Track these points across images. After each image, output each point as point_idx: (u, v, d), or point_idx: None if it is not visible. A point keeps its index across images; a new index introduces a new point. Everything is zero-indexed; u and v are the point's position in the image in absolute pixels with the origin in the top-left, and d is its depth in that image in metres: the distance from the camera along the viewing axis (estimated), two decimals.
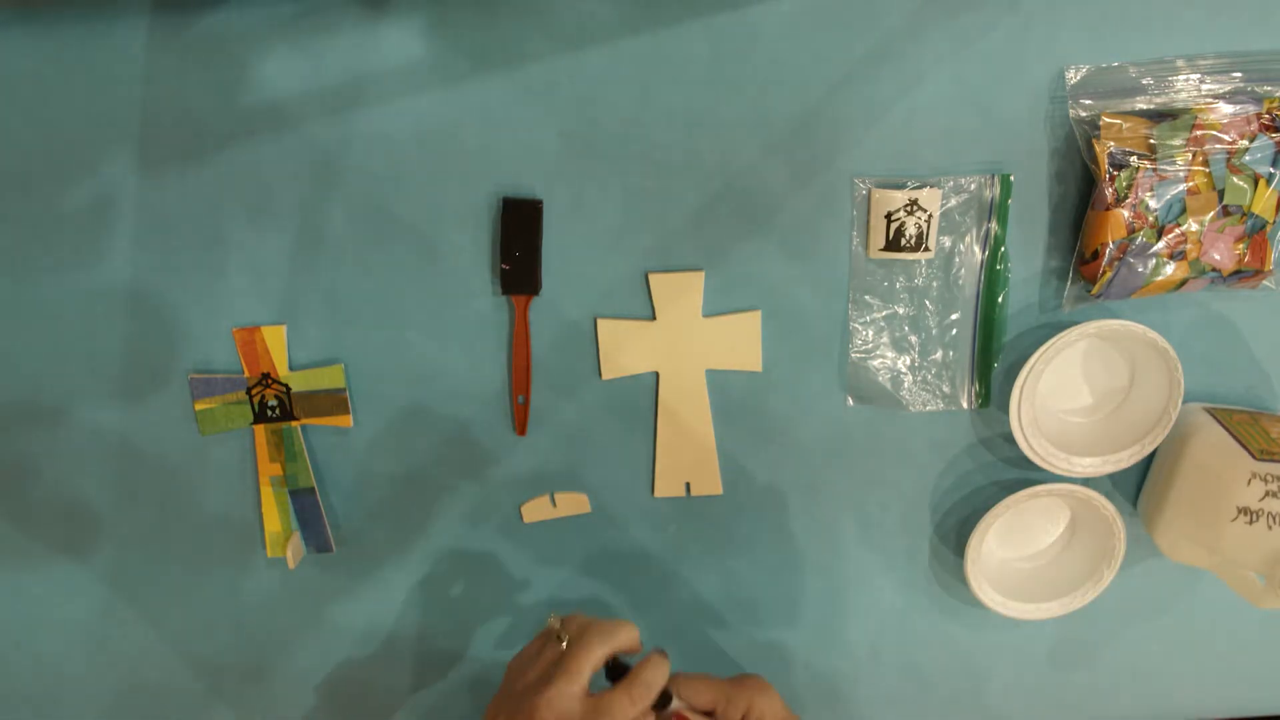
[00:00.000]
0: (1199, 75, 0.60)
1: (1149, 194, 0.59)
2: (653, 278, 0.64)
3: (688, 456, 0.69)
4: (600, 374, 0.67)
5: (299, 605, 0.73)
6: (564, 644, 0.52)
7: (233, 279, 0.65)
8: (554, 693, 0.49)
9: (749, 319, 0.66)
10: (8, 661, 0.75)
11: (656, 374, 0.67)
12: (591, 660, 0.51)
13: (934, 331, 0.66)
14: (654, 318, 0.65)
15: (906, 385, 0.68)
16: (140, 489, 0.70)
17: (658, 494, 0.70)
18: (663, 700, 0.53)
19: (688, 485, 0.70)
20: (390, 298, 0.65)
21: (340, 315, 0.66)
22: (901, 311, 0.66)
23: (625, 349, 0.66)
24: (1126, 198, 0.59)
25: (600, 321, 0.65)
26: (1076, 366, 0.68)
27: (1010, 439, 0.66)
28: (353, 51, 0.60)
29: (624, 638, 0.53)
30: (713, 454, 0.69)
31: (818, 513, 0.71)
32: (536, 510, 0.70)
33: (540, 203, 0.63)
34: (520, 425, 0.68)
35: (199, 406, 0.67)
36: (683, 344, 0.66)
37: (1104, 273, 0.61)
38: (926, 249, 0.63)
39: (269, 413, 0.67)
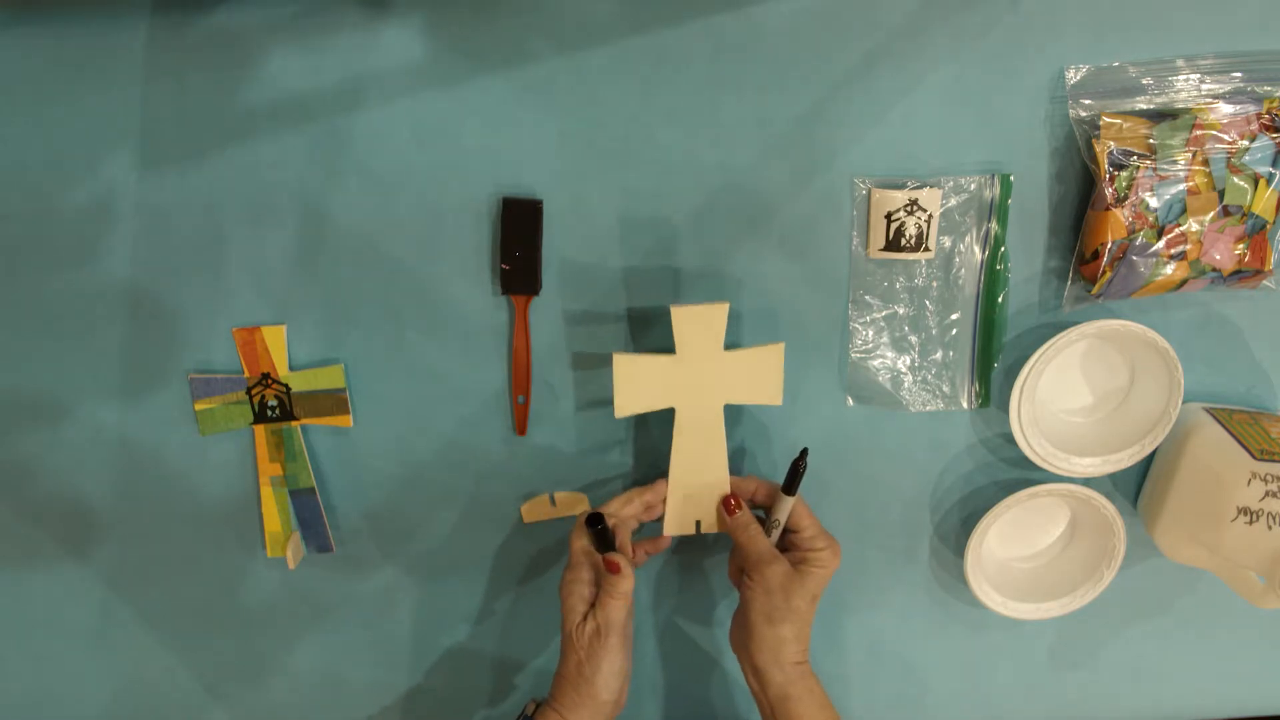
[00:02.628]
0: (1199, 75, 0.60)
1: (1149, 194, 0.59)
2: (675, 311, 0.60)
3: (700, 494, 0.65)
4: (614, 412, 0.62)
5: (299, 605, 0.73)
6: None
7: (233, 279, 0.65)
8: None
9: (772, 352, 0.62)
10: (8, 661, 0.75)
11: (672, 410, 0.63)
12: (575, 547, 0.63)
13: (934, 331, 0.66)
14: (674, 351, 0.61)
15: (906, 385, 0.68)
16: (140, 489, 0.70)
17: (665, 532, 0.66)
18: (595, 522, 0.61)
19: (698, 523, 0.66)
20: (390, 298, 0.65)
21: (340, 315, 0.66)
22: (901, 311, 0.66)
23: (642, 385, 0.62)
24: (1126, 198, 0.60)
25: (617, 357, 0.61)
26: (1076, 366, 0.68)
27: (1010, 439, 0.66)
28: (353, 51, 0.60)
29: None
30: (726, 492, 0.65)
31: (818, 513, 0.71)
32: (536, 510, 0.70)
33: (540, 203, 0.63)
34: (520, 425, 0.68)
35: (199, 406, 0.67)
36: (703, 379, 0.62)
37: (1104, 273, 0.61)
38: (926, 249, 0.63)
39: (269, 413, 0.67)
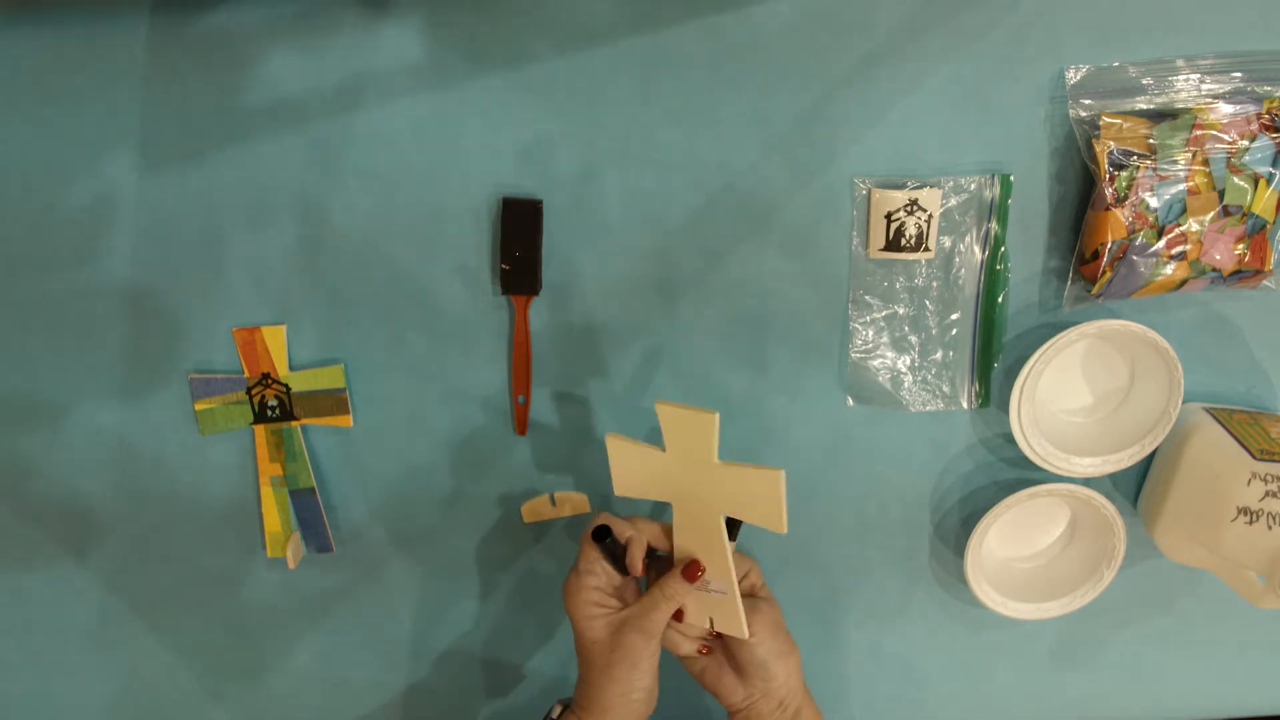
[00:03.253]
0: (1199, 75, 0.60)
1: (1149, 194, 0.59)
2: (661, 410, 0.55)
3: (709, 595, 0.60)
4: (613, 490, 0.60)
5: (299, 605, 0.73)
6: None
7: (233, 279, 0.65)
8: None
9: (770, 477, 0.53)
10: (8, 661, 0.75)
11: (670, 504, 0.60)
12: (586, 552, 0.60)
13: (934, 331, 0.66)
14: (664, 449, 0.57)
15: (906, 385, 0.68)
16: (140, 489, 0.70)
17: (686, 620, 0.61)
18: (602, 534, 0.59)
19: (711, 620, 0.60)
20: (390, 298, 0.65)
21: (340, 315, 0.66)
22: (901, 311, 0.66)
23: (636, 471, 0.58)
24: (1126, 198, 0.59)
25: (609, 439, 0.58)
26: (1076, 366, 0.68)
27: (1010, 439, 0.66)
28: (353, 51, 0.60)
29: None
30: (735, 597, 0.58)
31: (818, 513, 0.71)
32: (536, 510, 0.70)
33: (540, 203, 0.63)
34: (520, 425, 0.68)
35: (199, 406, 0.67)
36: (697, 486, 0.56)
37: (1104, 273, 0.61)
38: (926, 249, 0.63)
39: (269, 413, 0.67)
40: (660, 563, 0.62)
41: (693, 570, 0.58)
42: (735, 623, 0.59)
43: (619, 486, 0.60)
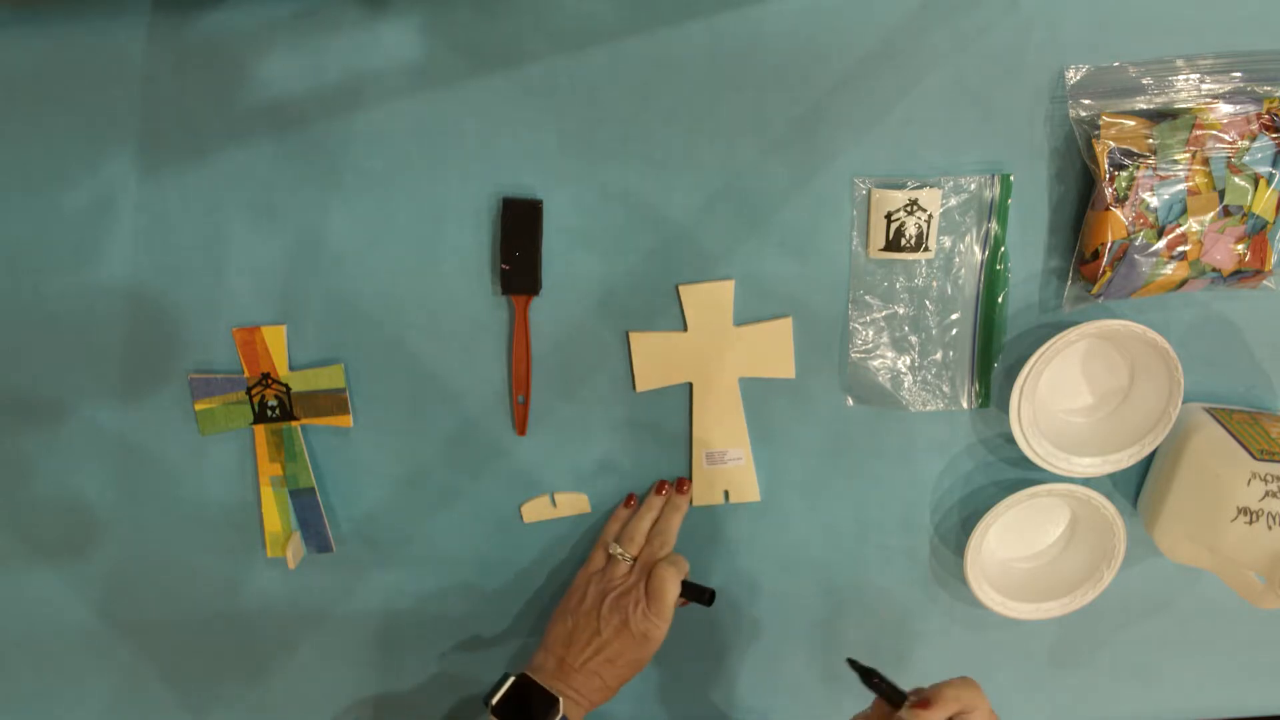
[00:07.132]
0: (1199, 75, 0.60)
1: (1149, 194, 0.59)
2: (683, 289, 0.64)
3: (725, 465, 0.69)
4: (635, 387, 0.67)
5: (299, 605, 0.73)
6: (626, 560, 0.66)
7: (233, 279, 0.65)
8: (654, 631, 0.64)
9: (780, 326, 0.66)
10: (8, 661, 0.75)
11: (689, 385, 0.67)
12: (674, 598, 0.64)
13: (934, 331, 0.66)
14: (685, 329, 0.66)
15: (906, 385, 0.68)
16: (140, 489, 0.70)
17: (696, 503, 0.70)
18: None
19: (726, 493, 0.70)
20: (390, 298, 0.65)
21: (340, 315, 0.66)
22: (901, 311, 0.66)
23: (658, 360, 0.66)
24: (1126, 198, 0.59)
25: (633, 335, 0.66)
26: (1076, 366, 0.68)
27: (1010, 439, 0.66)
28: (352, 51, 0.60)
29: (685, 567, 0.66)
30: (749, 460, 0.69)
31: (818, 513, 0.71)
32: (536, 510, 0.70)
33: (540, 203, 0.63)
34: (520, 425, 0.68)
35: (199, 406, 0.67)
36: (716, 354, 0.66)
37: (1104, 273, 0.61)
38: (926, 249, 0.63)
39: (269, 413, 0.67)
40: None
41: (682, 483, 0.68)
42: (749, 488, 0.69)
43: (641, 381, 0.66)
